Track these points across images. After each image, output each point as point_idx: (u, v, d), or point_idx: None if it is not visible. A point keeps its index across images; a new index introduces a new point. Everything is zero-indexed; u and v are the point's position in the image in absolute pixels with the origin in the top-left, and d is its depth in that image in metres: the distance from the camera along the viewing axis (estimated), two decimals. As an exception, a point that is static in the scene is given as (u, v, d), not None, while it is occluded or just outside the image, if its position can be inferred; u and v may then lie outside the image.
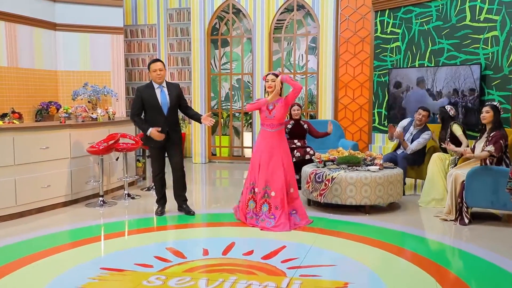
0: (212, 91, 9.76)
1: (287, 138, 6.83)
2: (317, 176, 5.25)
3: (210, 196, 6.52)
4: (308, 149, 6.61)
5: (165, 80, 5.03)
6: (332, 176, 5.11)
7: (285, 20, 9.12)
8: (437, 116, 5.86)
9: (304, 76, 9.27)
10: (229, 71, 9.75)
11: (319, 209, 5.42)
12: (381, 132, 8.21)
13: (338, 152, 5.82)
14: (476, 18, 6.82)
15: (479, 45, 6.78)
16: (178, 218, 5.09)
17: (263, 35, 8.87)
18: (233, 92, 9.52)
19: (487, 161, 4.79)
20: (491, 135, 4.78)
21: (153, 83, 4.99)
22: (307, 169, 5.49)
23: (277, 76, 4.72)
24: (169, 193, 5.33)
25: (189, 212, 5.15)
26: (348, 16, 8.52)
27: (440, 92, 7.10)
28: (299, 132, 6.77)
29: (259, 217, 4.66)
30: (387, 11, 8.06)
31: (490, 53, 6.66)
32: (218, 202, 6.06)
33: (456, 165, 5.52)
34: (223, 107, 9.82)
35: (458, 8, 7.05)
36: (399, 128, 6.40)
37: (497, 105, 4.92)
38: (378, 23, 8.20)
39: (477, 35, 6.82)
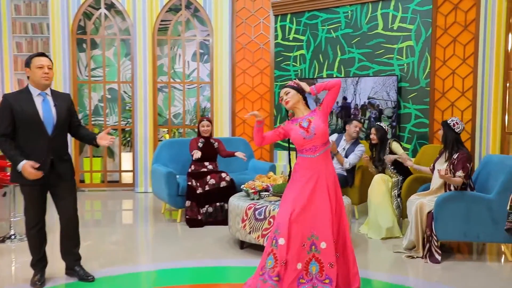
0: (79, 102, 7.91)
1: (193, 159, 5.57)
2: (257, 212, 4.09)
3: (96, 242, 4.86)
4: (223, 174, 5.41)
5: (50, 88, 3.42)
6: (279, 212, 3.99)
7: (172, 20, 7.79)
8: (372, 135, 5.15)
9: (196, 86, 8.03)
10: (100, 78, 8.02)
11: (257, 254, 4.25)
12: (285, 150, 7.38)
13: (269, 178, 4.75)
14: (389, 26, 6.41)
15: (393, 56, 6.37)
16: (69, 289, 3.46)
17: (146, 37, 7.40)
18: (104, 104, 7.81)
19: (452, 187, 4.18)
20: (455, 157, 4.18)
21: (31, 88, 3.35)
22: (239, 203, 4.30)
23: (292, 87, 3.36)
24: (51, 249, 3.67)
25: (86, 277, 3.55)
26: (244, 19, 7.56)
27: (364, 105, 6.49)
28: (210, 152, 5.55)
29: (300, 284, 3.14)
30: (288, 16, 7.29)
31: (405, 64, 6.28)
32: (106, 252, 4.49)
33: (400, 187, 4.88)
34: (93, 122, 8.03)
35: (369, 16, 6.57)
36: None
37: (448, 122, 4.37)
38: (278, 28, 7.40)
39: (390, 44, 6.40)
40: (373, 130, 5.09)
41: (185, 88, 7.99)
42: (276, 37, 7.42)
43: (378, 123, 5.33)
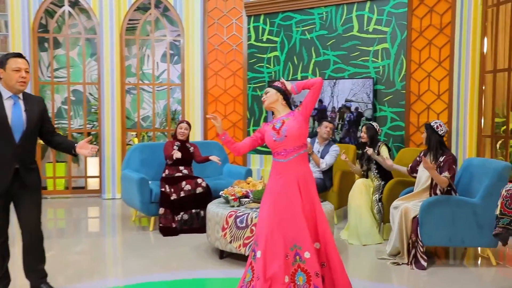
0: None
1: (168, 163, 5.32)
2: (238, 220, 3.89)
3: (61, 253, 4.53)
4: (199, 180, 5.18)
5: (22, 91, 3.13)
6: (261, 220, 3.80)
7: (140, 19, 7.49)
8: (362, 133, 5.03)
9: (166, 88, 7.75)
10: (64, 79, 7.62)
11: (238, 264, 4.04)
12: (259, 153, 7.21)
13: (249, 183, 4.56)
14: (365, 29, 6.35)
15: (368, 58, 6.31)
16: (35, 309, 3.15)
17: (113, 36, 7.07)
18: (68, 107, 7.41)
19: (437, 191, 4.10)
20: (441, 159, 4.10)
21: (2, 89, 3.03)
22: (219, 210, 4.08)
23: (273, 86, 3.20)
24: (13, 265, 3.36)
25: (53, 296, 3.26)
26: (216, 20, 7.35)
27: (342, 108, 6.38)
28: (185, 156, 5.31)
29: None
30: (262, 17, 7.14)
31: (380, 67, 6.23)
32: (72, 265, 4.19)
33: (382, 192, 4.78)
34: (56, 126, 7.61)
35: (344, 17, 6.49)
36: None
37: (432, 124, 4.29)
38: (252, 29, 7.22)
39: (366, 47, 6.34)
40: (363, 129, 4.99)
41: (155, 90, 7.70)
42: (249, 38, 7.24)
43: (370, 122, 5.24)
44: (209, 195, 5.15)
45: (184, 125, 5.39)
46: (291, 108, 3.22)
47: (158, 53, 8.08)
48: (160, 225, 5.02)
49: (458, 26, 5.53)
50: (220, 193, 4.31)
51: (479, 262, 4.31)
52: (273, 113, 3.25)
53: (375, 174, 4.85)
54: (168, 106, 7.57)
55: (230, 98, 7.38)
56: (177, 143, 5.34)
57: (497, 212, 3.41)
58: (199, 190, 5.11)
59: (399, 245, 4.07)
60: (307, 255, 2.97)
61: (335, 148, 5.37)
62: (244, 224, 3.85)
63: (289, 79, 6.91)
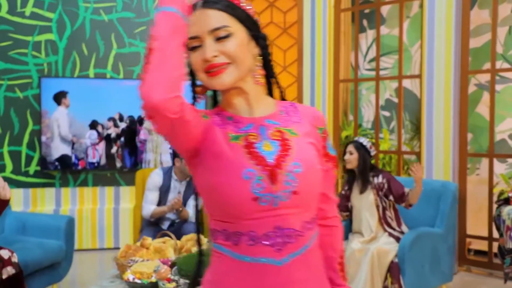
0: None
1: None
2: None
3: None
4: (4, 253, 2.69)
5: None
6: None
7: None
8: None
9: None
10: None
11: None
12: (22, 187, 4.65)
13: (148, 248, 2.55)
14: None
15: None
16: None
17: None
18: None
19: (387, 218, 3.22)
20: (378, 181, 3.21)
21: None
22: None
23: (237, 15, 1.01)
24: None
25: None
26: None
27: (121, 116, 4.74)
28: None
29: None
30: (23, -22, 4.64)
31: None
32: None
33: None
34: None
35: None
36: None
37: (363, 143, 3.37)
38: (4, -6, 4.61)
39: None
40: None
41: None
42: (-2, 8, 4.60)
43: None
44: (22, 278, 2.72)
45: None
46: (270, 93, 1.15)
47: None
48: None
49: (308, 27, 4.85)
50: (131, 279, 2.15)
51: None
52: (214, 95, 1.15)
53: None
54: None
55: (-35, 101, 4.50)
56: None
57: (509, 245, 2.87)
58: (8, 271, 2.61)
59: (369, 301, 3.00)
60: None
61: None
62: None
63: (75, 76, 4.72)
